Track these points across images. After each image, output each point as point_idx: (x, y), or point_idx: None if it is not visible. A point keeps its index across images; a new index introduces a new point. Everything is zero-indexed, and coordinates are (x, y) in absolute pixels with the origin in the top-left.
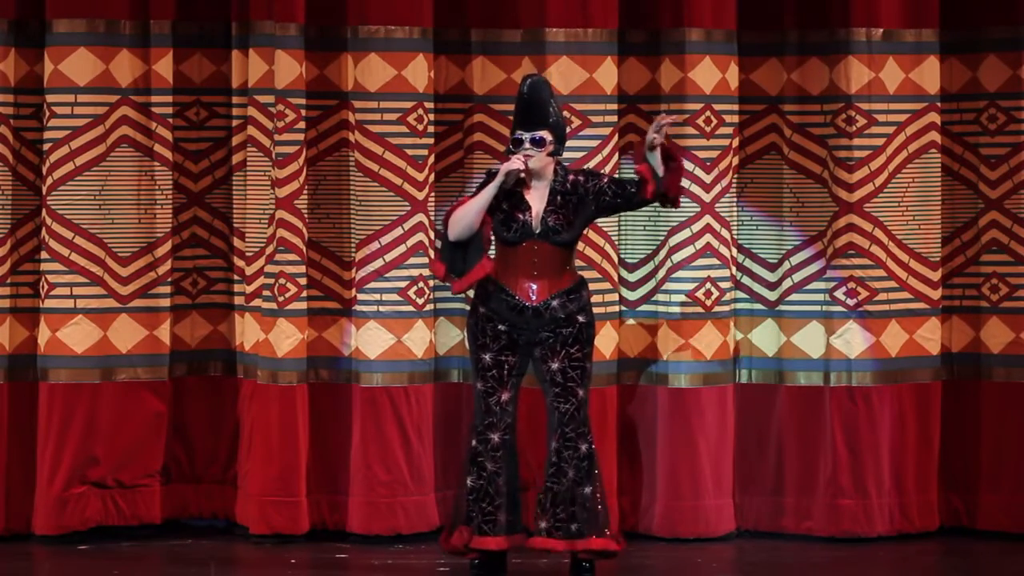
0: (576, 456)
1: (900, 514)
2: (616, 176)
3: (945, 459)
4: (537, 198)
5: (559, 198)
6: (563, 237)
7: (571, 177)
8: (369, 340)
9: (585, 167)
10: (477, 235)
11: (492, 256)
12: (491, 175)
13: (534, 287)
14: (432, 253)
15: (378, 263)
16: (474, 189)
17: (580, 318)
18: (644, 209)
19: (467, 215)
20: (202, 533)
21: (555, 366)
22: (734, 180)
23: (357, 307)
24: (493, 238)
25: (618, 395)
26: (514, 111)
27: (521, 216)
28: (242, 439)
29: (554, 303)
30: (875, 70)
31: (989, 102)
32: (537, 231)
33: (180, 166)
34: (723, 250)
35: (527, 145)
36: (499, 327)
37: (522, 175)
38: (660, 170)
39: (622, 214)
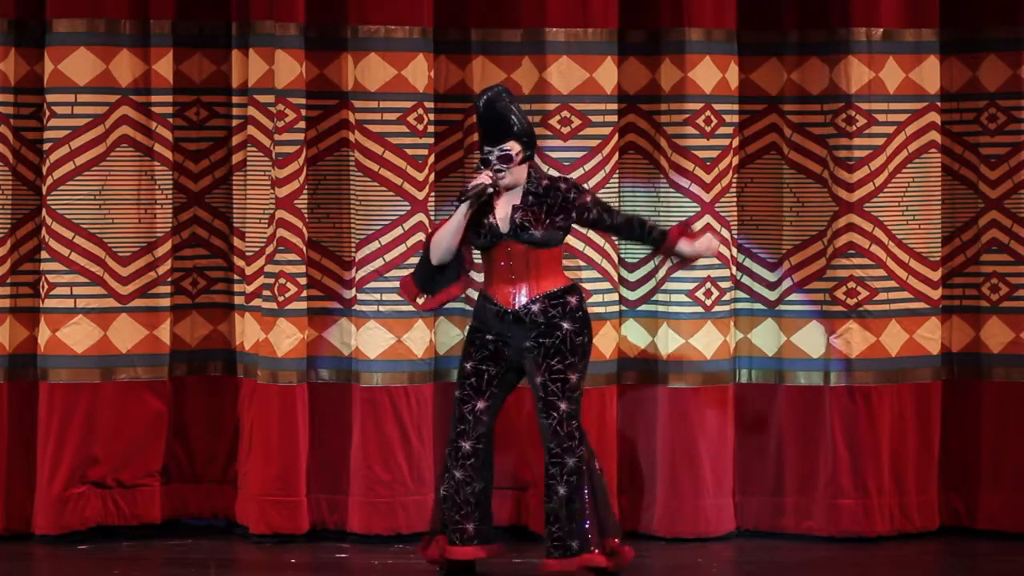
0: (564, 472)
1: (900, 514)
2: (603, 201)
3: (945, 459)
4: (506, 202)
5: (530, 198)
6: (534, 235)
7: (545, 181)
8: (369, 340)
9: (567, 176)
10: (457, 257)
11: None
12: (463, 194)
13: (514, 291)
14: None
15: (378, 263)
16: (453, 209)
17: (565, 325)
18: (644, 209)
19: (444, 238)
20: (202, 533)
21: (538, 380)
22: (734, 180)
23: (357, 307)
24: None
25: (618, 395)
26: (477, 127)
27: (489, 219)
28: (242, 439)
29: (534, 307)
30: (875, 70)
31: (989, 102)
32: (505, 231)
33: (180, 166)
34: (723, 250)
35: (495, 163)
36: (486, 336)
37: (491, 191)
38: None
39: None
